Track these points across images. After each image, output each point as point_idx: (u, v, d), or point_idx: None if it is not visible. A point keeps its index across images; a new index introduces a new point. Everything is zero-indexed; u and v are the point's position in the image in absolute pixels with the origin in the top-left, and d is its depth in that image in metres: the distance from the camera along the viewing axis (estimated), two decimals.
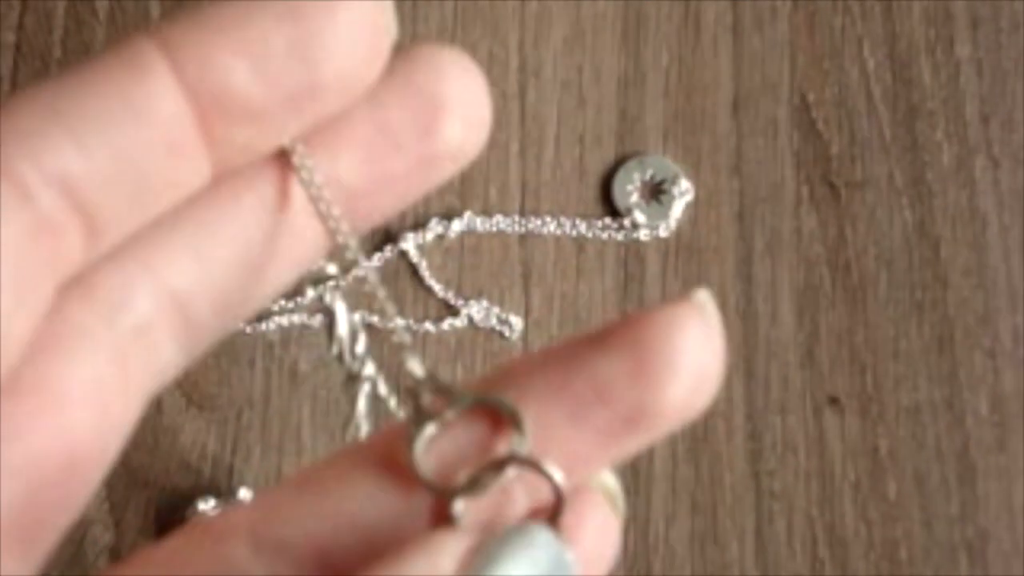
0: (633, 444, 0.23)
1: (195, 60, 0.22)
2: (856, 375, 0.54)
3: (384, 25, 0.24)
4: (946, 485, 0.53)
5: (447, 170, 0.26)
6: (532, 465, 0.23)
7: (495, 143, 0.57)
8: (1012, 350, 0.55)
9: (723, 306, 0.55)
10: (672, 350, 0.23)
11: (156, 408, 0.53)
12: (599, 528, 0.24)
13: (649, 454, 0.53)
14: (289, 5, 0.23)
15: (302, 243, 0.25)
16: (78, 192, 0.22)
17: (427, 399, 0.24)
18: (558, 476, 0.23)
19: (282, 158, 0.24)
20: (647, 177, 0.56)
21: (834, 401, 0.54)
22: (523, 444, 0.23)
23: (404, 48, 0.25)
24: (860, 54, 0.58)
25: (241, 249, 0.25)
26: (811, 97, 0.57)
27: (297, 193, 0.25)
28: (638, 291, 0.55)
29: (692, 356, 0.23)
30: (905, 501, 0.53)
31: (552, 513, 0.23)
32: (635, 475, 0.53)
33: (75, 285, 0.23)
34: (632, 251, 0.56)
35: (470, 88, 0.26)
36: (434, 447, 0.23)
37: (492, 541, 0.22)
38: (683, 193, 0.56)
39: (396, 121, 0.25)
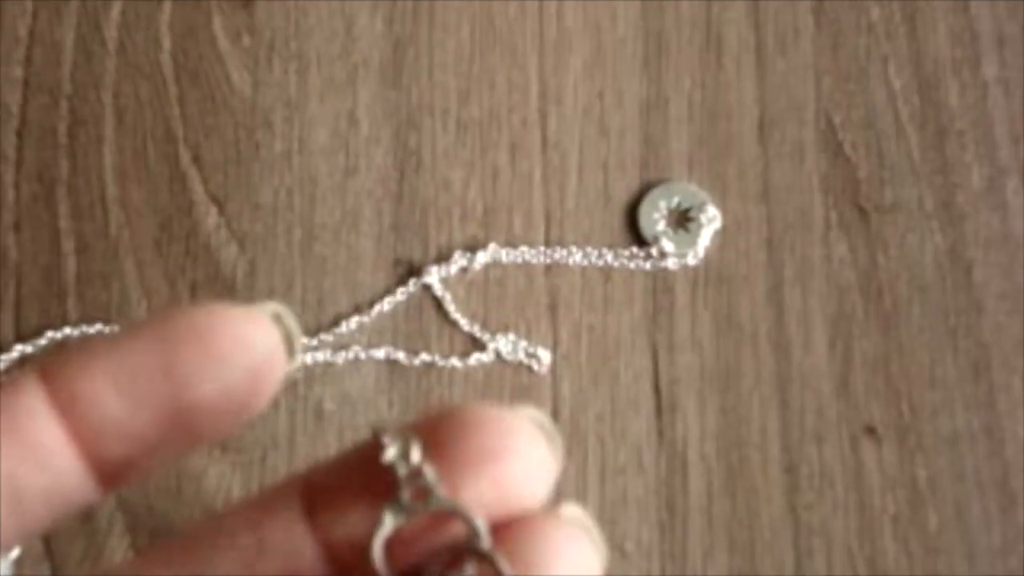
0: None
1: (66, 388, 0.24)
2: (892, 404, 0.53)
3: (270, 345, 0.25)
4: (987, 516, 0.52)
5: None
6: (489, 559, 0.24)
7: (517, 172, 0.56)
8: None
9: (754, 335, 0.54)
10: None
11: None
12: (578, 557, 0.24)
13: (684, 489, 0.52)
14: (159, 332, 0.24)
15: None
16: None
17: (406, 495, 0.24)
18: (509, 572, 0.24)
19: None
20: (673, 205, 0.55)
21: (871, 431, 0.53)
22: (482, 542, 0.24)
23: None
24: (886, 75, 0.57)
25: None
26: (837, 120, 0.57)
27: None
28: (667, 321, 0.54)
29: None
30: (946, 533, 0.52)
31: None
32: (671, 511, 0.52)
33: None
34: (660, 280, 0.55)
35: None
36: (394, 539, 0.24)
37: None
38: (711, 220, 0.55)
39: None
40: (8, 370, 0.52)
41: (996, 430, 0.53)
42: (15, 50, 0.56)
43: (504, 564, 0.24)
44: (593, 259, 0.55)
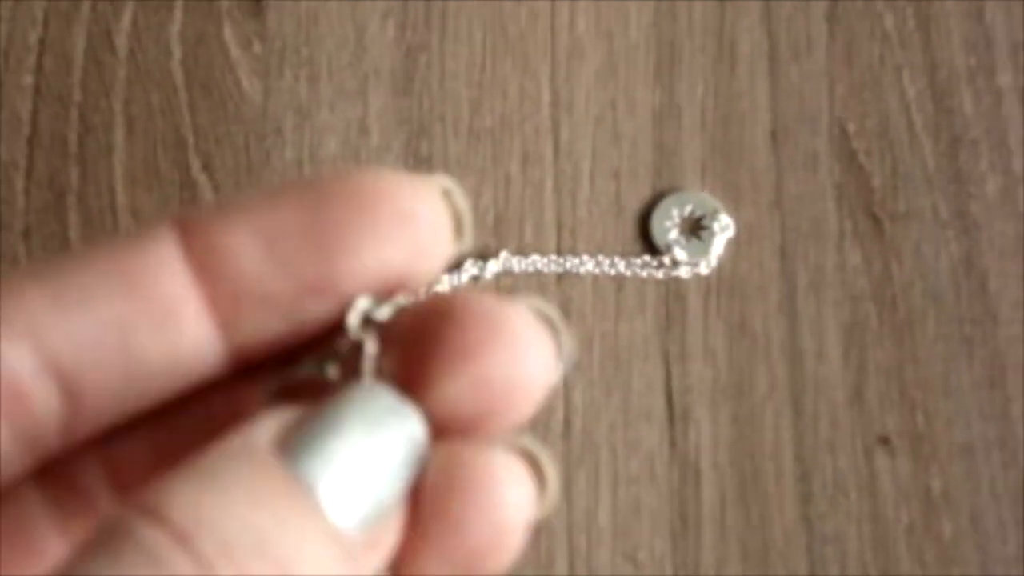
0: None
1: (205, 241, 0.22)
2: (906, 413, 0.53)
3: (435, 220, 0.23)
4: (1002, 526, 0.52)
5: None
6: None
7: (529, 180, 0.55)
8: None
9: (767, 344, 0.54)
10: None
11: None
12: (515, 488, 0.23)
13: (696, 497, 0.52)
14: (312, 193, 0.22)
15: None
16: (56, 358, 0.21)
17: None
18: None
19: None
20: (686, 213, 0.55)
21: (885, 441, 0.53)
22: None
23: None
24: (900, 83, 0.57)
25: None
26: (851, 128, 0.56)
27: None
28: (680, 330, 0.54)
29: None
30: (961, 543, 0.52)
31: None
32: (684, 520, 0.52)
33: (35, 483, 0.23)
34: (673, 289, 0.54)
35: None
36: None
37: (321, 408, 0.21)
38: (723, 229, 0.55)
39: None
40: None
41: (1011, 440, 0.53)
42: (26, 58, 0.56)
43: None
44: (605, 268, 0.54)
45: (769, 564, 0.52)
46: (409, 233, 0.23)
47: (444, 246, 0.23)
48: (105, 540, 0.19)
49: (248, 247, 0.22)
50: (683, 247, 0.54)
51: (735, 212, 0.55)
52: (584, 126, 0.56)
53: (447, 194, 0.23)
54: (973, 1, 0.58)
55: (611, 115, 0.56)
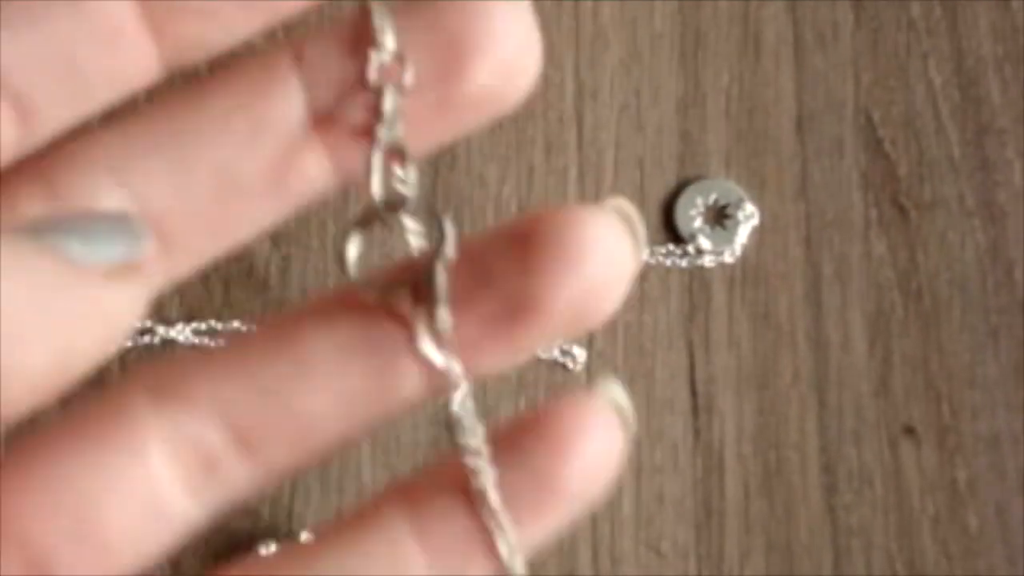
0: (525, 338, 0.24)
1: None
2: (932, 404, 0.53)
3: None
4: None
5: (477, 117, 0.25)
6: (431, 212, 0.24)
7: (552, 169, 0.55)
8: None
9: (792, 334, 0.54)
10: (568, 245, 0.23)
11: None
12: (601, 440, 0.24)
13: (720, 488, 0.52)
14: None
15: (303, 175, 0.25)
16: (8, 76, 0.23)
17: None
18: (451, 233, 0.24)
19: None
20: (710, 201, 0.55)
21: (910, 431, 0.52)
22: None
23: None
24: (926, 71, 0.56)
25: (224, 172, 0.24)
26: (876, 116, 0.56)
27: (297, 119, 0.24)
28: (704, 319, 0.54)
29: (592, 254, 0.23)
30: (987, 534, 0.51)
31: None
32: (707, 511, 0.52)
33: (37, 184, 0.24)
34: (697, 278, 0.54)
35: (510, 30, 0.24)
36: None
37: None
38: (748, 217, 0.54)
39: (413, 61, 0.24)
40: None
41: None
42: None
43: (441, 275, 0.24)
44: None
45: (793, 555, 0.51)
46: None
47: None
48: None
49: None
50: (707, 236, 0.54)
51: (760, 201, 0.55)
52: (608, 114, 0.56)
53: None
54: None
55: (635, 103, 0.56)
